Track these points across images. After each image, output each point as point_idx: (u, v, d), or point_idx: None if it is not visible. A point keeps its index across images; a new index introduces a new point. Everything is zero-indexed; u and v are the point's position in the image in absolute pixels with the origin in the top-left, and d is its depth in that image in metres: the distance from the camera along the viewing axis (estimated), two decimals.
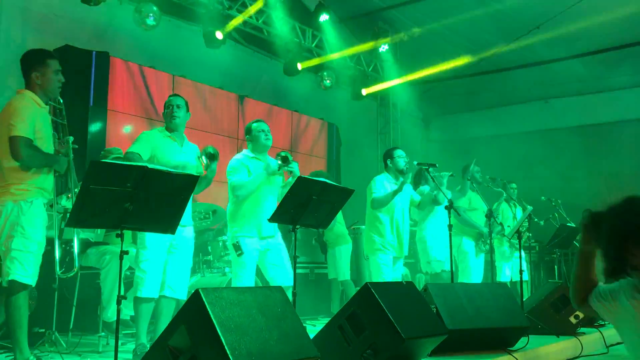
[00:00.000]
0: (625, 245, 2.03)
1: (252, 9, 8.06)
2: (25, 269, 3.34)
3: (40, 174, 3.45)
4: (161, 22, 7.27)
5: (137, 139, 4.20)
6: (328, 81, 9.76)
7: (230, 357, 2.32)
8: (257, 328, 2.53)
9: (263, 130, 4.76)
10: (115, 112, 7.10)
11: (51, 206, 3.46)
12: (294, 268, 3.97)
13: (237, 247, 4.52)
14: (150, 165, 2.76)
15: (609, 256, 2.09)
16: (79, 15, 6.94)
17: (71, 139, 3.59)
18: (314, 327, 6.58)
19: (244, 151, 4.84)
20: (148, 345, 3.77)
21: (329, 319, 7.33)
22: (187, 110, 4.37)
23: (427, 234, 6.31)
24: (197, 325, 2.43)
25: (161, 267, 4.00)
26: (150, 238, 3.92)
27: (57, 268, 3.81)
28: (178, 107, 4.30)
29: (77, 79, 6.78)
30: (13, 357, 3.39)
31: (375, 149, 11.16)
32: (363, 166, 10.31)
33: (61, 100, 3.77)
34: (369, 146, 11.09)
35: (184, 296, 4.21)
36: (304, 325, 6.52)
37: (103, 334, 4.55)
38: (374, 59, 10.52)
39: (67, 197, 3.55)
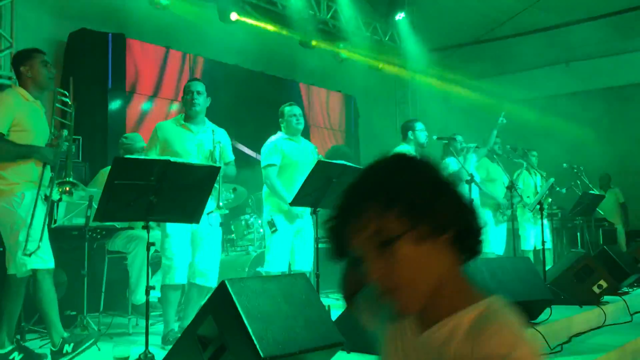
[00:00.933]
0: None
1: None
2: (39, 256, 3.44)
3: (26, 166, 3.50)
4: (175, 1, 7.25)
5: (151, 136, 4.25)
6: (344, 53, 9.67)
7: (257, 346, 2.38)
8: (282, 316, 2.59)
9: (295, 115, 4.86)
10: (134, 94, 7.15)
11: (45, 198, 3.50)
12: (316, 249, 4.02)
13: (271, 224, 4.68)
14: (172, 159, 2.81)
15: None
16: None
17: (65, 132, 3.59)
18: (337, 301, 6.67)
19: (279, 133, 4.95)
20: (177, 331, 3.84)
21: None
22: (207, 95, 4.32)
23: None
24: (224, 315, 2.49)
25: (187, 252, 4.05)
26: (171, 226, 3.95)
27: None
28: (198, 93, 4.22)
29: (94, 61, 6.83)
30: (50, 340, 3.51)
31: (394, 120, 11.10)
32: (382, 138, 10.27)
33: (70, 102, 3.76)
34: (387, 117, 11.03)
35: (214, 283, 4.26)
36: (328, 297, 6.65)
37: (132, 316, 4.68)
38: (391, 27, 10.38)
39: (59, 191, 3.55)
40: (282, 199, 4.67)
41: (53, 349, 3.43)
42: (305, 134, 8.51)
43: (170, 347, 3.86)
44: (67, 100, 3.76)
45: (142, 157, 3.19)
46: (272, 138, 4.91)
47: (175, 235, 3.97)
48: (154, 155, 4.06)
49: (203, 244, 4.15)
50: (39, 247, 3.40)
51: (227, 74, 8.08)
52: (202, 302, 4.44)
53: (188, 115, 4.27)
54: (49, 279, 3.49)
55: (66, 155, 3.58)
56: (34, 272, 3.43)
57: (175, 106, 7.41)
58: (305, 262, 4.85)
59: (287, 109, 4.91)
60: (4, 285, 3.50)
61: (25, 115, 3.54)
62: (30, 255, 3.38)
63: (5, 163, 3.46)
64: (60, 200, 3.63)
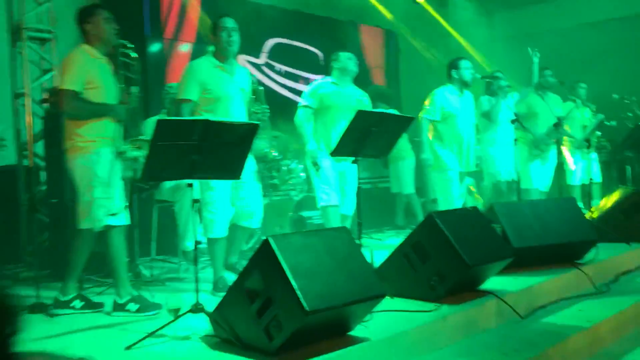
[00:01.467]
0: None
1: None
2: (115, 213, 3.57)
3: (101, 123, 3.57)
4: None
5: (183, 77, 4.09)
6: None
7: (302, 300, 2.46)
8: (325, 270, 2.65)
9: (351, 59, 5.00)
10: (172, 40, 7.11)
11: (120, 154, 3.61)
12: (359, 200, 4.06)
13: (315, 164, 4.84)
14: (212, 119, 2.84)
15: None
16: None
17: (136, 89, 3.67)
18: (380, 241, 6.77)
19: (328, 78, 5.06)
20: (227, 278, 3.98)
21: (394, 231, 7.60)
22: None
23: (485, 146, 6.17)
24: (270, 270, 2.58)
25: (228, 205, 4.13)
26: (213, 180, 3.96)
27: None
28: (234, 30, 4.05)
29: (130, 9, 6.77)
30: (115, 292, 3.67)
31: (436, 55, 10.77)
32: (424, 74, 10.03)
33: (133, 55, 3.79)
34: (430, 52, 10.71)
35: (258, 224, 4.43)
36: (371, 238, 6.73)
37: (183, 262, 4.88)
38: None
39: (133, 147, 3.67)
40: (305, 143, 4.84)
41: (118, 300, 3.60)
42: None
43: (220, 293, 4.06)
44: (131, 53, 3.80)
45: (183, 118, 3.21)
46: (319, 81, 5.06)
47: (217, 190, 4.02)
48: (195, 97, 3.99)
49: (244, 188, 4.18)
50: (125, 206, 3.58)
51: (261, 13, 7.93)
52: (245, 241, 4.63)
53: (222, 56, 4.09)
54: (121, 236, 3.64)
55: (135, 111, 3.66)
56: (108, 228, 3.56)
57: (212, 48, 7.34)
58: (348, 206, 5.00)
59: (343, 53, 5.03)
60: (75, 238, 3.64)
61: (97, 72, 3.60)
62: (113, 215, 3.53)
63: (81, 120, 3.54)
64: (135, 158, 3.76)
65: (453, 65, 5.60)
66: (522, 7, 11.22)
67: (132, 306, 3.56)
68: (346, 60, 4.99)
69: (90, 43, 3.66)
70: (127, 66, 3.80)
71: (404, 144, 7.53)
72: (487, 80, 5.78)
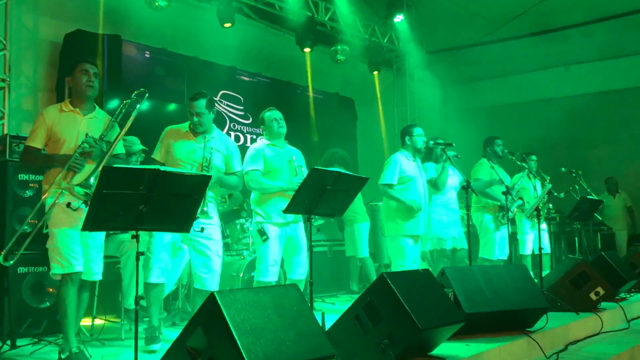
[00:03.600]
0: None
1: None
2: (60, 262, 3.54)
3: (49, 173, 3.65)
4: (172, 2, 7.21)
5: (159, 139, 4.36)
6: (342, 55, 9.63)
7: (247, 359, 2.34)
8: (273, 328, 2.55)
9: (276, 119, 4.81)
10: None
11: (67, 205, 3.49)
12: (310, 258, 3.98)
13: (262, 233, 4.63)
14: (162, 168, 2.77)
15: None
16: None
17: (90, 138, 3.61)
18: (333, 305, 6.65)
19: (261, 139, 4.91)
20: (160, 327, 3.96)
21: (349, 295, 7.51)
22: (213, 108, 4.34)
23: (432, 211, 6.17)
24: (214, 327, 2.46)
25: (167, 252, 4.12)
26: None
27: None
28: (201, 115, 4.26)
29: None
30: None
31: (392, 122, 11.05)
32: (380, 141, 10.23)
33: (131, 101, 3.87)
34: (386, 119, 10.98)
35: (214, 287, 4.30)
36: (324, 302, 6.61)
37: (125, 322, 4.65)
38: (389, 29, 10.34)
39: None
40: (277, 189, 4.65)
41: (62, 356, 3.54)
42: (303, 135, 8.49)
43: (151, 345, 3.90)
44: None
45: (131, 166, 3.13)
46: (256, 145, 4.89)
47: (155, 235, 4.06)
48: (157, 157, 4.26)
49: (204, 251, 4.20)
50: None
51: (224, 75, 8.04)
52: None
53: (192, 130, 4.35)
54: (66, 284, 3.57)
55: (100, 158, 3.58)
56: (54, 277, 3.61)
57: (174, 106, 7.36)
58: (300, 270, 4.80)
59: (267, 114, 4.88)
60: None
61: (58, 125, 3.68)
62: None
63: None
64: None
65: (406, 132, 5.74)
66: (477, 83, 11.72)
67: None
68: (270, 121, 4.84)
69: (71, 96, 3.81)
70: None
71: (359, 207, 7.55)
72: (439, 146, 5.88)
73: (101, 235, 3.80)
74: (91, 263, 3.72)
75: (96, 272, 3.78)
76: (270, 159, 4.72)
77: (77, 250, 3.58)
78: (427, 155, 6.10)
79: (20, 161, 3.74)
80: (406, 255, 5.43)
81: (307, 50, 8.96)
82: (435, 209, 6.09)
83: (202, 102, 4.25)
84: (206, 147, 4.12)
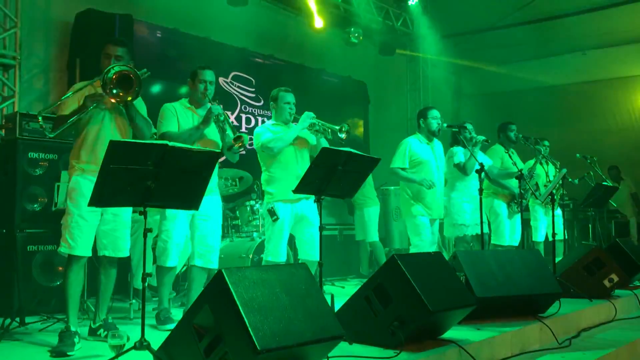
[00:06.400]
0: None
1: None
2: (66, 242, 3.52)
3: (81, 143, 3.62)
4: None
5: (163, 115, 4.19)
6: (355, 37, 9.52)
7: (254, 338, 2.31)
8: (281, 307, 2.51)
9: (289, 103, 4.70)
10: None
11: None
12: (320, 238, 3.91)
13: (272, 213, 4.54)
14: (170, 143, 2.72)
15: None
16: None
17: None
18: (342, 289, 6.62)
19: (267, 123, 4.83)
20: (171, 310, 3.91)
21: (358, 279, 7.48)
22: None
23: (455, 196, 6.09)
24: (221, 305, 2.43)
25: (183, 236, 4.07)
26: (170, 209, 3.97)
27: None
28: (211, 83, 4.21)
29: (101, 43, 6.70)
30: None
31: (404, 106, 10.94)
32: (392, 125, 10.13)
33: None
34: (398, 104, 10.87)
35: (215, 265, 4.29)
36: (333, 285, 6.58)
37: (134, 301, 4.64)
38: (403, 12, 10.20)
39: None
40: (286, 135, 4.56)
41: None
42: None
43: (164, 326, 3.89)
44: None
45: (139, 141, 3.07)
46: (262, 126, 4.82)
47: (174, 218, 3.98)
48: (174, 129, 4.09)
49: (202, 226, 4.16)
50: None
51: (236, 56, 7.97)
52: (202, 284, 4.45)
53: (196, 102, 4.26)
54: (70, 265, 3.55)
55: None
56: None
57: (185, 88, 7.30)
58: (311, 251, 4.68)
59: (281, 94, 4.73)
60: None
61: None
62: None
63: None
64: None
65: (421, 114, 5.68)
66: (492, 68, 11.55)
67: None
68: (284, 103, 4.73)
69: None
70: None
71: (370, 191, 7.49)
72: (454, 130, 5.80)
73: (127, 211, 3.73)
74: (117, 239, 3.69)
75: (122, 249, 3.73)
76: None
77: (89, 234, 3.55)
78: (454, 139, 6.02)
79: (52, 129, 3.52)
80: (423, 233, 5.42)
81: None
82: (457, 194, 5.99)
83: (212, 73, 4.27)
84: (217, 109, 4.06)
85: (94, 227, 3.57)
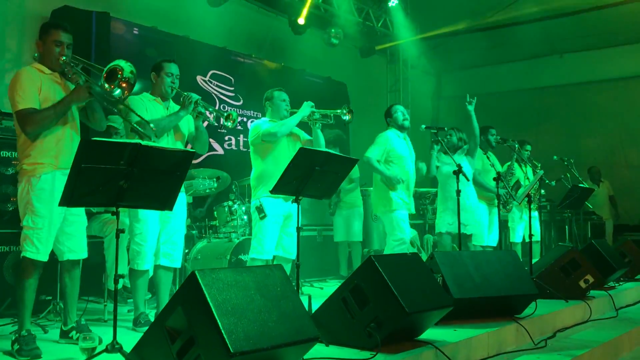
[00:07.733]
0: None
1: None
2: (34, 246, 3.31)
3: (42, 142, 3.32)
4: None
5: (132, 105, 3.93)
6: (335, 38, 9.50)
7: (227, 340, 2.27)
8: (255, 309, 2.48)
9: (284, 100, 4.77)
10: None
11: None
12: (298, 238, 3.89)
13: (260, 210, 4.52)
14: (143, 142, 2.67)
15: None
16: None
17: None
18: (321, 290, 6.59)
19: (264, 118, 4.82)
20: (149, 313, 3.83)
21: (337, 280, 7.45)
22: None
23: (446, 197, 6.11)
24: (194, 307, 2.39)
25: (155, 239, 3.99)
26: (142, 210, 3.87)
27: None
28: (177, 77, 4.13)
29: (77, 40, 6.59)
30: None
31: (384, 108, 10.91)
32: (372, 126, 10.10)
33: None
34: (378, 105, 10.86)
35: (178, 264, 4.24)
36: (312, 287, 6.54)
37: (108, 302, 4.56)
38: (384, 14, 10.21)
39: None
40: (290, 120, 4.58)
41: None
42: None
43: (142, 328, 3.83)
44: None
45: (112, 140, 2.99)
46: (264, 119, 4.82)
47: (146, 221, 3.90)
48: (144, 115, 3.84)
49: (168, 224, 4.07)
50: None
51: (215, 55, 7.91)
52: (170, 284, 4.39)
53: (161, 95, 4.13)
54: (33, 270, 3.36)
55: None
56: (23, 260, 3.38)
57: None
58: (289, 249, 4.72)
59: (276, 93, 4.83)
60: None
61: (48, 89, 3.37)
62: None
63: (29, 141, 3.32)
64: None
65: (387, 113, 5.86)
66: (472, 70, 11.62)
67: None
68: (280, 101, 4.79)
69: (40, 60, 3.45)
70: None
71: (357, 192, 7.53)
72: (432, 132, 5.82)
73: (83, 210, 3.61)
74: (81, 241, 3.58)
75: (85, 249, 3.62)
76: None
77: (53, 238, 3.41)
78: (451, 148, 6.09)
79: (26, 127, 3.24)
80: (405, 227, 5.47)
81: (300, 31, 8.80)
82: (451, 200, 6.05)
83: (177, 66, 4.17)
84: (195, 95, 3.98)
85: (57, 230, 3.42)
